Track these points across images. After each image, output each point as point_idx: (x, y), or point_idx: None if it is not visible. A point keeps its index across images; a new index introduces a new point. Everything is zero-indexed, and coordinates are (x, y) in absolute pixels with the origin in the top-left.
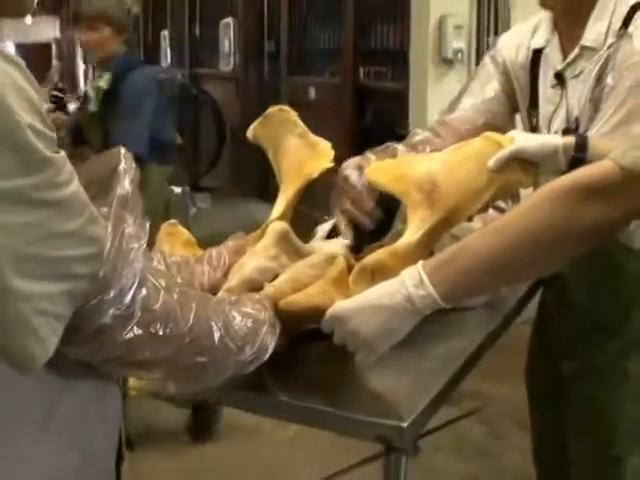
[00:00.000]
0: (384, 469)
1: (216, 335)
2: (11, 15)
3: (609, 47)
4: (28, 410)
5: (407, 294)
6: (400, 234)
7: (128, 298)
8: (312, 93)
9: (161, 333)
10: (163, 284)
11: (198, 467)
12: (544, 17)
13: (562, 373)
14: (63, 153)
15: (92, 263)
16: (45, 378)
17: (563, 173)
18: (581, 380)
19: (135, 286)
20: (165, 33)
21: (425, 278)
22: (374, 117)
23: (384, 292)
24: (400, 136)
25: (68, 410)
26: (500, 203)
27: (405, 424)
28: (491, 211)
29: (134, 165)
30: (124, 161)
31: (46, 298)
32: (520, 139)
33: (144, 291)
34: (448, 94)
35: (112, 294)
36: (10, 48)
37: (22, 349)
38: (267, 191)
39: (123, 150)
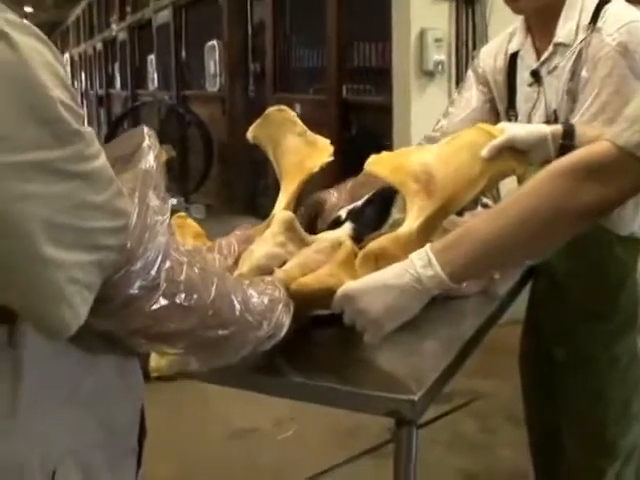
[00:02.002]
0: (396, 443)
1: (237, 308)
2: None
3: (581, 42)
4: (56, 385)
5: (416, 274)
6: (397, 224)
7: (154, 270)
8: (298, 109)
9: (186, 304)
10: (185, 259)
11: (199, 465)
12: (519, 24)
13: (554, 360)
14: (91, 129)
15: (119, 235)
16: (70, 353)
17: (549, 162)
18: (573, 366)
19: (160, 258)
20: (152, 57)
21: (433, 259)
22: (359, 130)
23: (393, 273)
24: (385, 147)
25: (92, 386)
26: (487, 201)
27: (416, 397)
28: (479, 208)
29: (158, 142)
30: (148, 138)
31: (77, 267)
32: (511, 129)
33: (168, 263)
34: (431, 104)
35: (139, 265)
36: None
37: (54, 316)
38: (254, 207)
39: (146, 129)
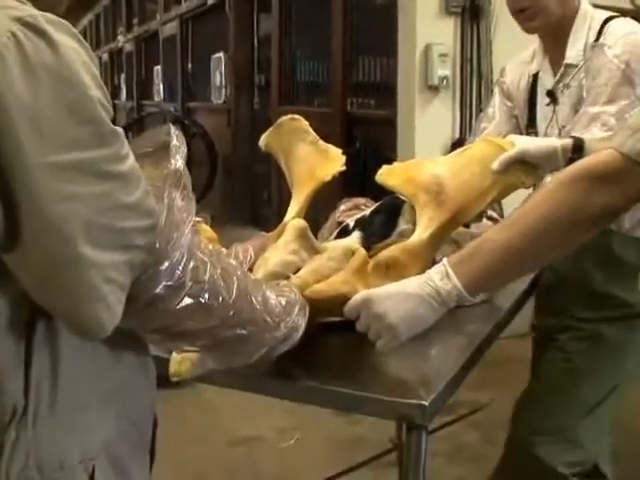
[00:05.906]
0: (405, 449)
1: (257, 309)
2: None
3: (586, 60)
4: (88, 380)
5: (434, 286)
6: (404, 233)
7: (179, 269)
8: None
9: (209, 304)
10: (208, 259)
11: (202, 472)
12: (537, 45)
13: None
14: (120, 128)
15: (149, 235)
16: (98, 349)
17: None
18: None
19: (185, 258)
20: (158, 68)
21: (451, 272)
22: (363, 144)
23: (412, 283)
24: (389, 160)
25: (119, 381)
26: (492, 213)
27: (426, 402)
28: (484, 220)
29: (184, 142)
30: (175, 138)
31: (112, 267)
32: (521, 142)
33: (193, 263)
34: (435, 119)
35: (165, 265)
36: None
37: (92, 316)
38: (257, 218)
39: (173, 128)
